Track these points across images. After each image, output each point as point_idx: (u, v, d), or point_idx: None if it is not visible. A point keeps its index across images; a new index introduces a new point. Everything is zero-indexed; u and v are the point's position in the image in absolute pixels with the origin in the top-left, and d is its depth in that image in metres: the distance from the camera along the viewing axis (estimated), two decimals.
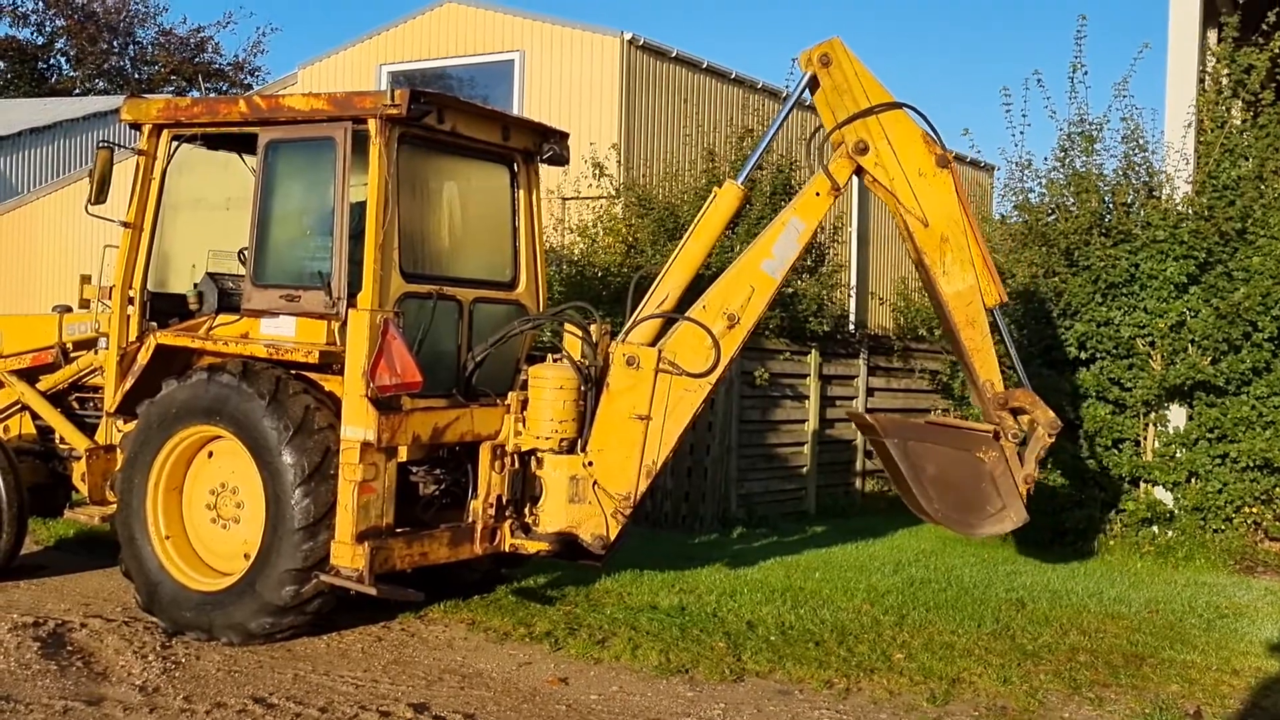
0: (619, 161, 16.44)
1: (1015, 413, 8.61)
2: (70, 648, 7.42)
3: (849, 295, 18.70)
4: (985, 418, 8.78)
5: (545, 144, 8.89)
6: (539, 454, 8.21)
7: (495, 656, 7.65)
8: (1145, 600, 9.68)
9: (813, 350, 14.38)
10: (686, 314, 8.27)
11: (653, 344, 8.24)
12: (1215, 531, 11.57)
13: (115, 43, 42.48)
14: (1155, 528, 11.75)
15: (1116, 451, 11.93)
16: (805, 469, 14.47)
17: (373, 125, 7.64)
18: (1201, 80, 12.51)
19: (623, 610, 8.69)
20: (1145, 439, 11.96)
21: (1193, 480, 11.72)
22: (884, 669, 7.51)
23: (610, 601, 8.97)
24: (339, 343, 7.65)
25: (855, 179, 8.76)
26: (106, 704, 6.50)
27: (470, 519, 8.17)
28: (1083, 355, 12.03)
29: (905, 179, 8.47)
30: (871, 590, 9.65)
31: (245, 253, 8.23)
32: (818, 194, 8.52)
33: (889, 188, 8.49)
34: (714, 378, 8.25)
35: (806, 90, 8.70)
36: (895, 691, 7.14)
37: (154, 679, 6.92)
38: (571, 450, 8.13)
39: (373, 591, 7.38)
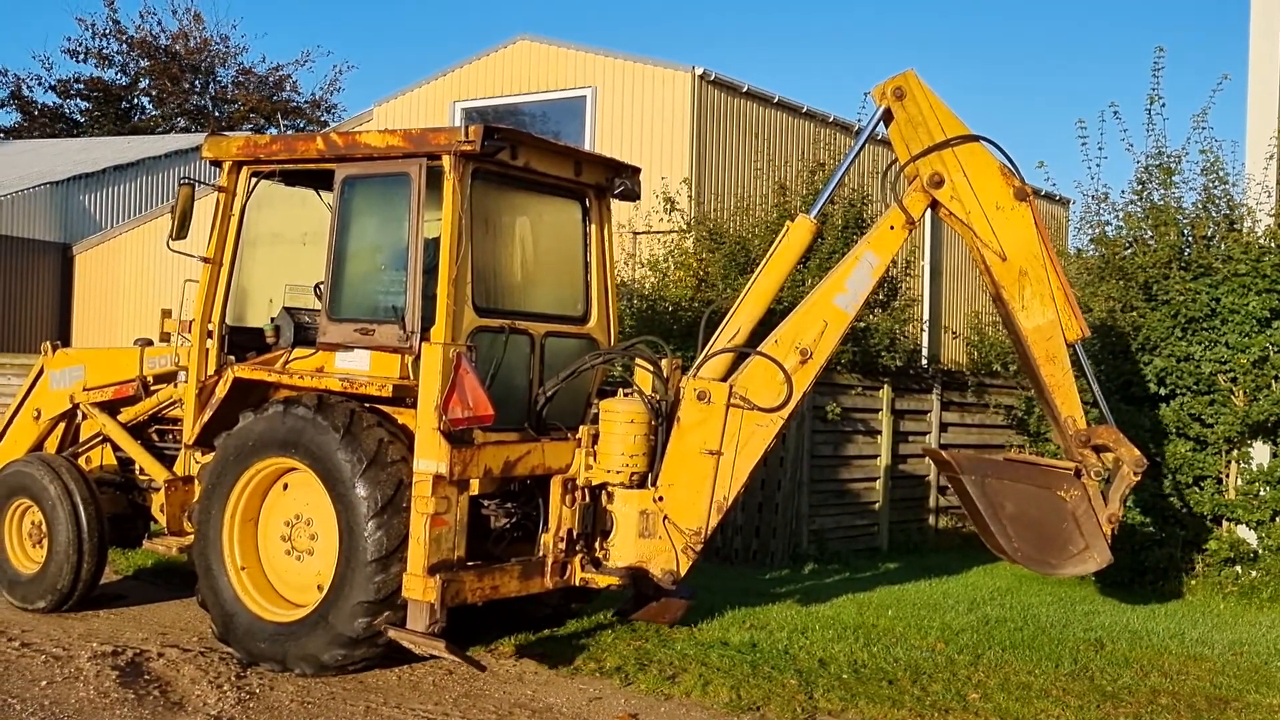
0: (690, 196, 16.48)
1: (1098, 450, 8.45)
2: (147, 677, 7.52)
3: (922, 329, 18.55)
4: (1067, 455, 8.62)
5: (617, 179, 8.93)
6: (609, 488, 8.20)
7: (565, 691, 7.63)
8: (1229, 642, 9.44)
9: (885, 385, 14.27)
10: (758, 349, 8.24)
11: (724, 379, 8.21)
12: None
13: (196, 82, 43.47)
14: (1239, 567, 11.49)
15: (1198, 489, 11.69)
16: (878, 505, 14.34)
17: (447, 161, 7.72)
18: None
19: (693, 646, 8.64)
20: (1227, 476, 11.71)
21: (1277, 519, 11.44)
22: (959, 709, 7.39)
23: (680, 637, 8.92)
24: (412, 376, 7.70)
25: (929, 212, 8.68)
26: None
27: (541, 552, 8.17)
28: (1162, 391, 11.81)
29: (982, 212, 8.35)
30: (946, 628, 9.51)
31: (321, 287, 8.34)
32: (892, 228, 8.44)
33: (965, 221, 8.39)
34: (786, 412, 8.20)
35: (881, 124, 8.62)
36: None
37: (229, 709, 6.99)
38: (642, 485, 8.12)
39: (439, 648, 7.32)
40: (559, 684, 7.78)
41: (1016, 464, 8.92)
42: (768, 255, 8.55)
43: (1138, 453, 8.45)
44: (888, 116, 8.53)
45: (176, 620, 9.12)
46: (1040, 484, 8.41)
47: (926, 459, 14.80)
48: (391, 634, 7.52)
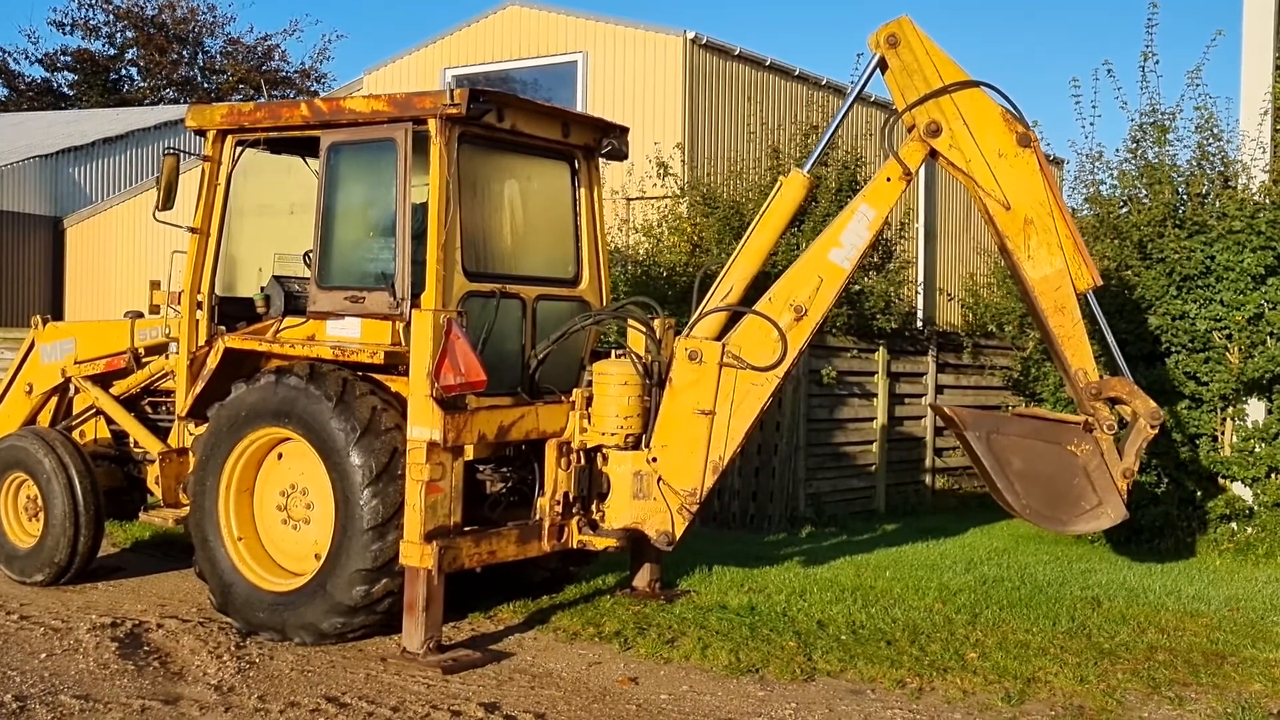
0: (683, 161, 16.41)
1: (1111, 403, 8.20)
2: (147, 648, 7.52)
3: (916, 291, 18.51)
4: (1079, 408, 8.37)
5: (605, 139, 8.87)
6: (604, 450, 8.19)
7: (565, 656, 7.63)
8: (1225, 598, 9.46)
9: (880, 347, 14.24)
10: (752, 307, 8.17)
11: (718, 338, 8.16)
12: None
13: (184, 53, 43.19)
14: (1234, 524, 11.50)
15: (1194, 447, 11.69)
16: (874, 467, 14.34)
17: (433, 125, 7.66)
18: (1278, 67, 12.23)
19: (692, 610, 8.65)
20: (1223, 434, 11.70)
21: (1273, 475, 11.45)
22: (957, 668, 7.40)
23: (679, 601, 8.92)
24: (404, 343, 7.67)
25: (922, 173, 8.53)
26: (183, 703, 6.57)
27: (537, 516, 8.16)
28: (1157, 349, 11.79)
29: (984, 160, 8.08)
30: (943, 589, 9.52)
31: (310, 255, 8.29)
32: (888, 180, 8.19)
33: (966, 170, 8.12)
34: (781, 371, 8.10)
35: (878, 74, 8.33)
36: (969, 691, 7.03)
37: (229, 679, 6.99)
38: (636, 446, 8.10)
39: (439, 667, 7.32)
40: (558, 649, 7.79)
41: (1024, 419, 8.70)
42: (761, 211, 8.42)
43: (1153, 404, 8.21)
44: (883, 65, 8.27)
45: (175, 591, 9.12)
46: (1049, 439, 8.18)
47: (923, 421, 14.80)
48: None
